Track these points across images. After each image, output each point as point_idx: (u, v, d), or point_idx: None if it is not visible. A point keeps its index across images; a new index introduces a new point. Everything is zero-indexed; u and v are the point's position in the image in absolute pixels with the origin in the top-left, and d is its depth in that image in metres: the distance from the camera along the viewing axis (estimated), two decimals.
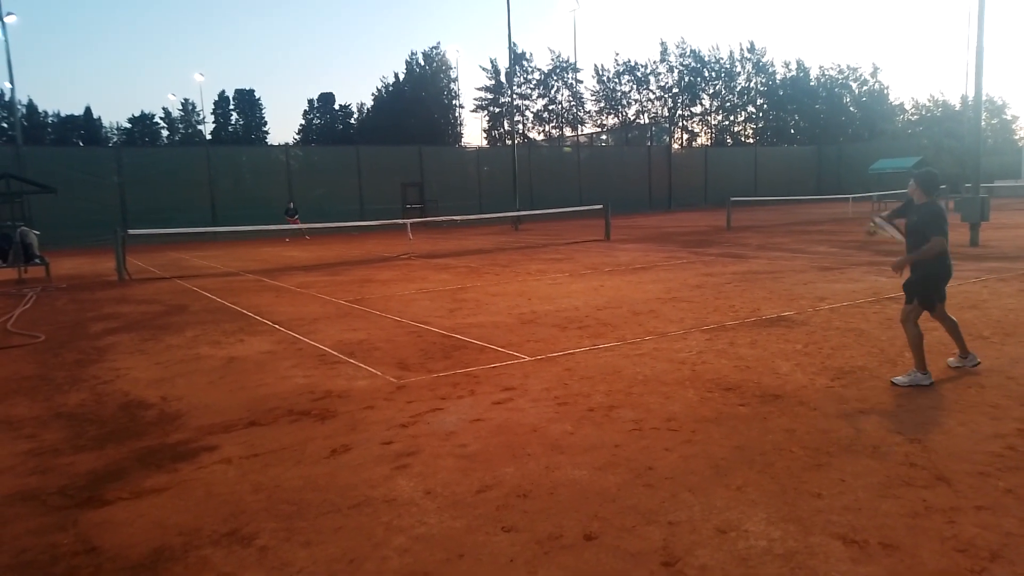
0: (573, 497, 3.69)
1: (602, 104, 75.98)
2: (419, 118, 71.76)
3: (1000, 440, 4.27)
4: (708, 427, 4.68)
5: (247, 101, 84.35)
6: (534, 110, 76.25)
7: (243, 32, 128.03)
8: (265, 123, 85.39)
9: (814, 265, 12.41)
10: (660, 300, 9.89)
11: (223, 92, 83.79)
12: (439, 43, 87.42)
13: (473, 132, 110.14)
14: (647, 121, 73.91)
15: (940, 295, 5.76)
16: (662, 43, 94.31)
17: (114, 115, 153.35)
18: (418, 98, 74.60)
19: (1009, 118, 52.33)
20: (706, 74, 74.85)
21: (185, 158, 35.48)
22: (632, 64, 75.01)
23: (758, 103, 76.17)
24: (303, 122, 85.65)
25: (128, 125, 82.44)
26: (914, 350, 5.52)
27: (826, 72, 73.97)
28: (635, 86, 75.49)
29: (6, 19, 31.94)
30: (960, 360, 5.89)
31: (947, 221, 5.53)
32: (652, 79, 75.13)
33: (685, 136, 76.43)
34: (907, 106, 68.56)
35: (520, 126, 73.67)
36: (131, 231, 19.04)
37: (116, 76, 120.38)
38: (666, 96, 75.41)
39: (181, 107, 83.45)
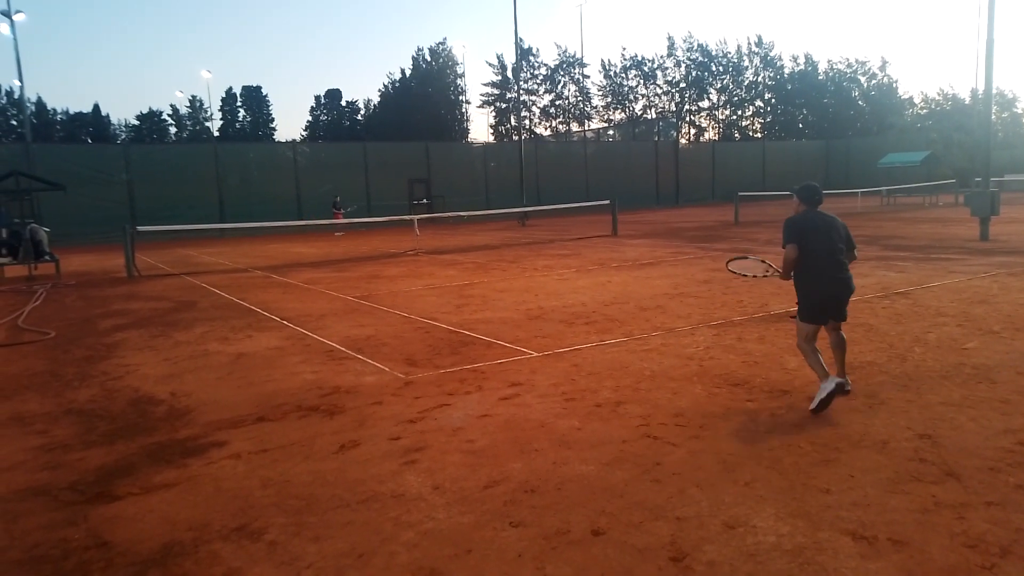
0: (581, 492, 3.69)
1: (609, 99, 75.92)
2: (426, 114, 71.71)
3: (1010, 436, 4.24)
4: (716, 423, 4.67)
5: (254, 98, 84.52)
6: (541, 105, 76.29)
7: (250, 29, 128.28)
8: (272, 120, 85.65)
9: None
10: (667, 296, 9.87)
11: (230, 89, 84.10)
12: (445, 39, 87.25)
13: (480, 128, 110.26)
14: (654, 116, 73.71)
15: (817, 313, 5.05)
16: (669, 37, 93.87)
17: (122, 112, 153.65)
18: (425, 94, 74.56)
19: (1020, 111, 51.97)
20: (713, 68, 74.59)
21: (193, 155, 35.56)
22: (639, 59, 74.94)
23: (766, 97, 75.90)
24: (310, 118, 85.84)
25: (136, 122, 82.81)
26: (812, 366, 5.00)
27: (834, 66, 73.70)
28: (642, 81, 75.35)
29: (15, 17, 32.08)
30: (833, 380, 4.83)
31: (792, 230, 5.00)
32: (659, 74, 75.01)
33: (692, 131, 76.28)
34: (916, 100, 68.28)
35: (527, 122, 73.62)
36: (140, 228, 19.13)
37: (124, 73, 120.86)
38: (673, 91, 75.21)
39: (189, 104, 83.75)
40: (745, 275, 5.79)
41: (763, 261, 5.61)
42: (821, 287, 5.04)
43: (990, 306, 8.23)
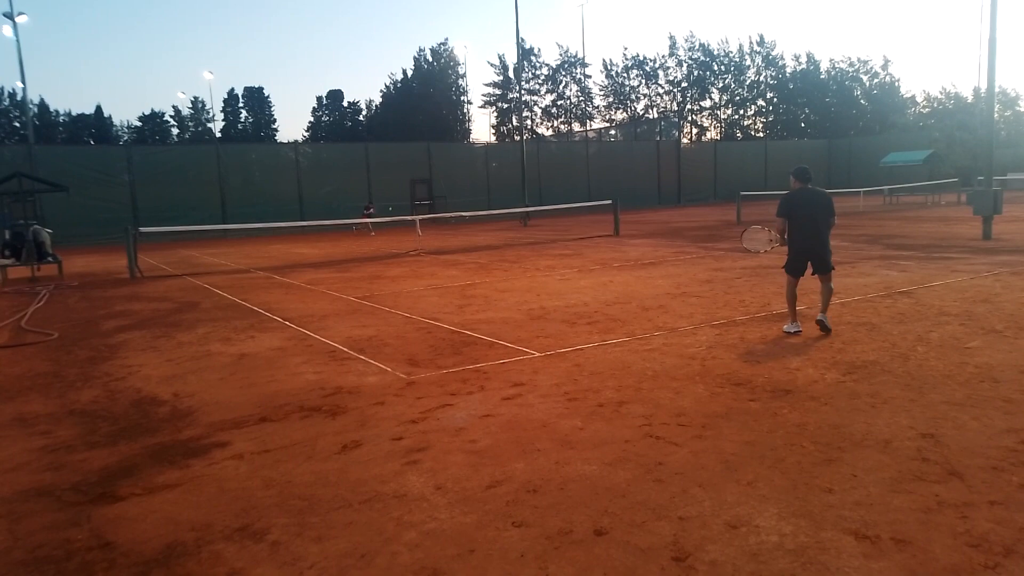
0: (583, 492, 3.69)
1: (611, 99, 75.80)
2: (427, 114, 71.70)
3: (1013, 435, 4.23)
4: (718, 422, 4.67)
5: (256, 99, 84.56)
6: (542, 105, 76.18)
7: (252, 30, 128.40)
8: (274, 120, 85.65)
9: None
10: (670, 295, 9.86)
11: (232, 90, 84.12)
12: (447, 39, 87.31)
13: (481, 128, 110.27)
14: (656, 116, 73.65)
15: (795, 266, 7.12)
16: (671, 37, 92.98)
17: (125, 113, 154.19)
18: (426, 94, 74.54)
19: (1022, 110, 51.80)
20: (715, 68, 74.49)
21: (195, 156, 35.55)
22: (641, 58, 74.81)
23: (768, 97, 75.80)
24: (312, 119, 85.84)
25: (138, 123, 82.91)
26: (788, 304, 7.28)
27: (836, 65, 73.54)
28: (644, 80, 75.25)
29: (17, 19, 32.16)
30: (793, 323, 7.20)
31: (784, 204, 7.07)
32: (661, 73, 74.90)
33: (694, 130, 76.19)
34: (919, 99, 68.17)
35: (528, 122, 73.59)
36: (142, 229, 19.16)
37: (126, 75, 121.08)
38: (675, 90, 75.13)
39: (191, 105, 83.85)
40: (757, 251, 7.78)
41: (766, 229, 7.53)
42: (800, 247, 7.06)
43: (993, 305, 8.21)
